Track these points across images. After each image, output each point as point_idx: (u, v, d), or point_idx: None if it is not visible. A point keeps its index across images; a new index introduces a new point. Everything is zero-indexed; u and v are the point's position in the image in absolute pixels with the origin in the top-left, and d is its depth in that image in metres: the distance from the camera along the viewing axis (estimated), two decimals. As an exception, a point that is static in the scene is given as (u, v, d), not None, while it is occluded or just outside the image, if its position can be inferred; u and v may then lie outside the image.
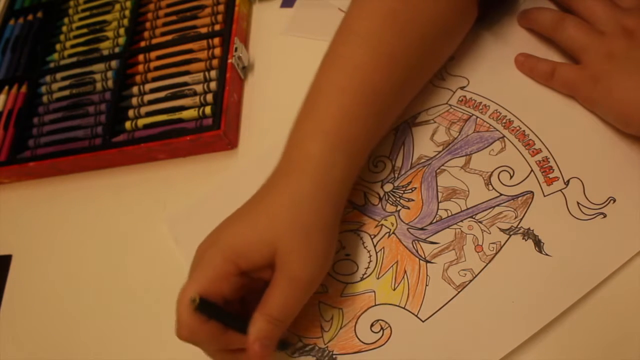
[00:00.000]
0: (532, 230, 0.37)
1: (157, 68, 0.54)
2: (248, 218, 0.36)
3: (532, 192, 0.38)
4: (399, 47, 0.38)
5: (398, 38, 0.38)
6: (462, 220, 0.39)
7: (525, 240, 0.37)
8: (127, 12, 0.59)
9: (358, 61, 0.38)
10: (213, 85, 0.50)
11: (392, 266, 0.39)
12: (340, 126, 0.36)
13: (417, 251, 0.39)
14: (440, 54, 0.42)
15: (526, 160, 0.40)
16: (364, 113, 0.37)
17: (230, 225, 0.36)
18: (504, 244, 0.37)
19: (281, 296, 0.34)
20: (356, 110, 0.37)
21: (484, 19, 0.44)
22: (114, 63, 0.55)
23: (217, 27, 0.53)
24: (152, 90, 0.52)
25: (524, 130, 0.41)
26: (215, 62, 0.51)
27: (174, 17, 0.56)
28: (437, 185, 0.41)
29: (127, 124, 0.51)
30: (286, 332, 0.37)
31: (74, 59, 0.57)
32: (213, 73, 0.51)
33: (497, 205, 0.39)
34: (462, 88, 0.44)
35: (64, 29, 0.60)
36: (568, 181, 0.38)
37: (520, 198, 0.38)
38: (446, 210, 0.40)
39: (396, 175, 0.42)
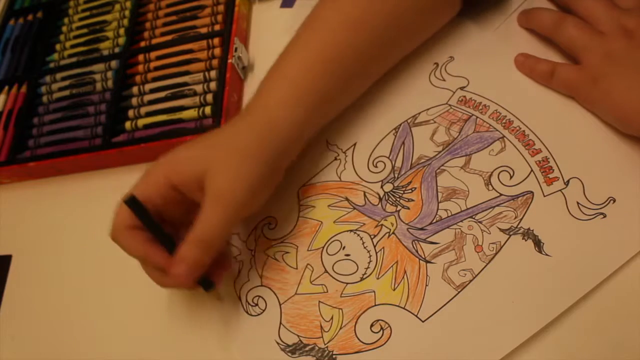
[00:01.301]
0: (532, 230, 0.37)
1: (157, 68, 0.54)
2: (193, 143, 0.38)
3: (532, 192, 0.38)
4: (369, 13, 0.40)
5: (370, 4, 0.40)
6: (462, 221, 0.39)
7: (525, 241, 0.37)
8: (127, 12, 0.59)
9: (328, 23, 0.40)
10: (213, 85, 0.50)
11: (392, 266, 0.39)
12: (300, 77, 0.39)
13: (417, 251, 0.39)
14: (412, 32, 0.43)
15: (526, 161, 0.40)
16: (327, 70, 0.39)
17: (177, 148, 0.38)
18: (504, 244, 0.37)
19: (206, 217, 0.35)
20: (318, 65, 0.39)
21: (469, 14, 0.45)
22: (114, 63, 0.55)
23: (217, 27, 0.53)
24: (152, 91, 0.52)
25: (523, 131, 0.41)
26: (215, 62, 0.51)
27: (173, 17, 0.56)
28: (437, 186, 0.41)
29: (127, 124, 0.51)
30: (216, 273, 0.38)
31: (74, 59, 0.57)
32: (213, 73, 0.51)
33: (497, 205, 0.39)
34: (462, 88, 0.44)
35: (64, 29, 0.60)
36: (568, 181, 0.38)
37: (520, 198, 0.38)
38: (446, 210, 0.40)
39: (396, 175, 0.42)
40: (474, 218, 0.39)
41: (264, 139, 0.37)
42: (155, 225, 0.37)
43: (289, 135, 0.38)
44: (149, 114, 0.51)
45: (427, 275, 0.38)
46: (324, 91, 0.40)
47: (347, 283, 0.39)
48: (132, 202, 0.36)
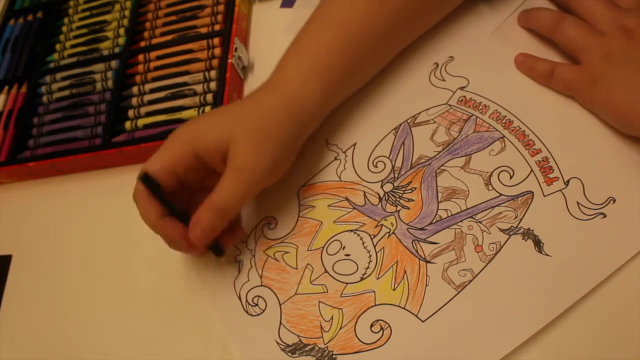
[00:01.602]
0: (532, 230, 0.37)
1: (157, 68, 0.54)
2: (216, 113, 0.40)
3: (532, 192, 0.38)
4: None
5: None
6: (462, 221, 0.39)
7: (525, 241, 0.37)
8: (127, 12, 0.59)
9: (348, 1, 0.40)
10: (213, 85, 0.50)
11: (392, 266, 0.39)
12: (320, 53, 0.40)
13: (417, 251, 0.39)
14: (431, 8, 0.44)
15: (526, 161, 0.40)
16: (347, 47, 0.40)
17: (201, 116, 0.40)
18: (504, 244, 0.37)
19: (225, 186, 0.37)
20: (339, 42, 0.40)
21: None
22: (114, 63, 0.55)
23: (217, 27, 0.53)
24: (152, 90, 0.52)
25: (523, 130, 0.41)
26: (215, 62, 0.51)
27: (173, 17, 0.56)
28: (437, 186, 0.41)
29: (127, 124, 0.51)
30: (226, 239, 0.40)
31: (74, 59, 0.57)
32: (213, 73, 0.51)
33: (497, 205, 0.39)
34: (462, 88, 0.44)
35: (64, 29, 0.60)
36: (568, 181, 0.38)
37: (520, 198, 0.38)
38: (446, 210, 0.40)
39: (396, 175, 0.42)
40: (474, 218, 0.39)
41: (285, 116, 0.38)
42: (168, 202, 0.38)
43: (308, 112, 0.40)
44: (149, 114, 0.51)
45: (427, 275, 0.38)
46: (343, 69, 0.40)
47: (347, 283, 0.39)
48: (145, 179, 0.37)
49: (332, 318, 0.38)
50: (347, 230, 0.41)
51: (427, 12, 0.44)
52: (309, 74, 0.39)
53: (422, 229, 0.39)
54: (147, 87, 0.53)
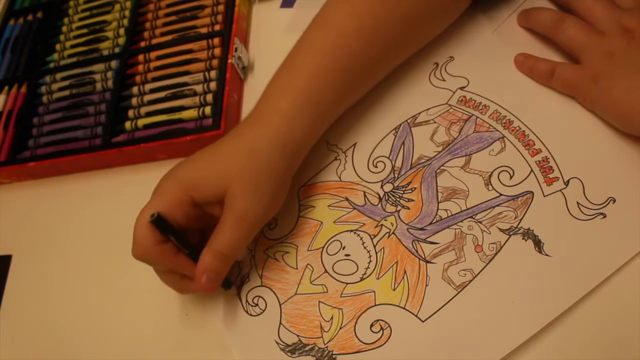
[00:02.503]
0: (532, 231, 0.37)
1: (157, 68, 0.54)
2: (208, 157, 0.39)
3: (532, 192, 0.38)
4: (385, 22, 0.40)
5: (386, 12, 0.40)
6: (462, 221, 0.39)
7: (525, 241, 0.37)
8: (127, 12, 0.59)
9: (342, 29, 0.40)
10: (213, 85, 0.50)
11: (392, 266, 0.39)
12: (311, 87, 0.39)
13: (417, 251, 0.39)
14: (424, 34, 0.44)
15: (526, 161, 0.40)
16: (338, 79, 0.39)
17: (191, 161, 0.39)
18: (504, 244, 0.37)
19: (227, 233, 0.37)
20: (330, 74, 0.39)
21: (479, 6, 0.45)
22: (114, 63, 0.55)
23: (217, 27, 0.53)
24: (152, 91, 0.52)
25: (523, 130, 0.41)
26: (215, 62, 0.51)
27: (174, 17, 0.56)
28: (437, 186, 0.41)
29: (127, 124, 0.51)
30: (231, 272, 0.40)
31: (74, 59, 0.57)
32: (213, 73, 0.51)
33: (497, 205, 0.39)
34: (462, 88, 0.44)
35: (64, 29, 0.60)
36: (568, 181, 0.38)
37: (520, 198, 0.38)
38: (446, 210, 0.40)
39: (396, 175, 0.42)
40: (474, 218, 0.39)
41: (278, 154, 0.38)
42: (183, 237, 0.37)
43: (299, 147, 0.39)
44: (149, 114, 0.51)
45: (427, 275, 0.38)
46: (334, 99, 0.40)
47: (347, 283, 0.39)
48: (158, 220, 0.36)
49: (332, 318, 0.38)
50: (347, 231, 0.41)
51: (418, 38, 0.44)
52: (300, 109, 0.39)
53: (422, 229, 0.39)
54: (147, 87, 0.53)
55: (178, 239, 0.37)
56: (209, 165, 0.38)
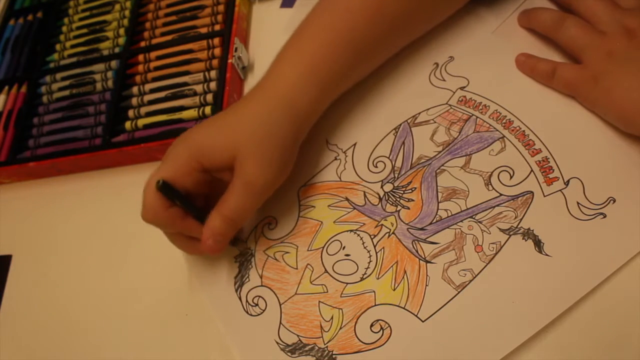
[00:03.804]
0: (532, 231, 0.37)
1: (157, 68, 0.54)
2: (217, 124, 0.40)
3: (532, 192, 0.38)
4: (390, 2, 0.41)
5: None
6: (462, 221, 0.39)
7: (525, 241, 0.37)
8: (127, 12, 0.59)
9: (349, 5, 0.41)
10: (213, 85, 0.50)
11: (392, 266, 0.39)
12: (319, 58, 0.40)
13: (417, 251, 0.39)
14: (430, 16, 0.45)
15: (526, 161, 0.40)
16: (344, 53, 0.41)
17: (202, 127, 0.40)
18: (504, 244, 0.37)
19: (236, 198, 0.38)
20: (337, 47, 0.40)
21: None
22: (114, 63, 0.55)
23: (217, 27, 0.53)
24: (152, 91, 0.52)
25: (524, 131, 0.41)
26: (215, 62, 0.51)
27: (174, 17, 0.56)
28: (437, 186, 0.41)
29: (127, 124, 0.51)
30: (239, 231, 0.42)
31: (74, 59, 0.57)
32: (213, 73, 0.51)
33: (497, 205, 0.39)
34: (462, 88, 0.44)
35: (64, 29, 0.60)
36: (568, 181, 0.38)
37: (520, 198, 0.38)
38: (446, 210, 0.40)
39: (396, 175, 0.42)
40: (474, 218, 0.39)
41: (286, 120, 0.39)
42: (189, 202, 0.38)
43: (307, 114, 0.40)
44: (149, 114, 0.51)
45: (427, 275, 0.38)
46: (341, 71, 0.41)
47: (347, 283, 0.39)
48: (164, 187, 0.37)
49: (332, 318, 0.38)
50: (347, 230, 0.41)
51: (426, 16, 0.44)
52: (307, 77, 0.40)
53: (422, 229, 0.39)
54: (147, 87, 0.53)
55: (184, 204, 0.38)
56: (219, 131, 0.39)
